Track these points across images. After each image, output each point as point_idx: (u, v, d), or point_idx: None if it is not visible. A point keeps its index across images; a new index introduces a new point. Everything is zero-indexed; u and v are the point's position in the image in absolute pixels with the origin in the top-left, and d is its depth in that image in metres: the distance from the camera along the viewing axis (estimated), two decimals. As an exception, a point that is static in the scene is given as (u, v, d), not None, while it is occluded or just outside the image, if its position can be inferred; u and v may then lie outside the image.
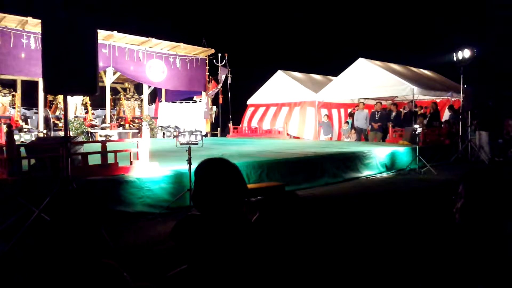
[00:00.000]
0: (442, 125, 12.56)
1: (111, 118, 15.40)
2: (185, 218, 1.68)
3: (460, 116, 12.03)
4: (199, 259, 1.56)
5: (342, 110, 16.70)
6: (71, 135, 7.93)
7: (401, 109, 13.62)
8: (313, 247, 1.77)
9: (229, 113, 17.72)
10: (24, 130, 12.59)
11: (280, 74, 16.49)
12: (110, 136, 13.69)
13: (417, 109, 13.14)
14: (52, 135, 12.52)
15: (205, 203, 1.63)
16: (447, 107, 13.41)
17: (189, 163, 5.40)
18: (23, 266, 3.53)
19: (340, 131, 16.14)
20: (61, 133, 12.38)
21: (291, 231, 1.73)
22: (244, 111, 18.03)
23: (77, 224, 1.59)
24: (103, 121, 15.36)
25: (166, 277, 1.64)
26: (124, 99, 16.75)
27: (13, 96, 14.23)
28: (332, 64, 18.30)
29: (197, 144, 5.53)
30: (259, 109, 17.44)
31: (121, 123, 15.46)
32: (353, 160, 8.68)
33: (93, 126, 14.26)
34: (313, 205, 6.12)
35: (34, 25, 11.76)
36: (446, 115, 14.29)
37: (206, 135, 16.06)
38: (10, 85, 14.57)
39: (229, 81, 16.90)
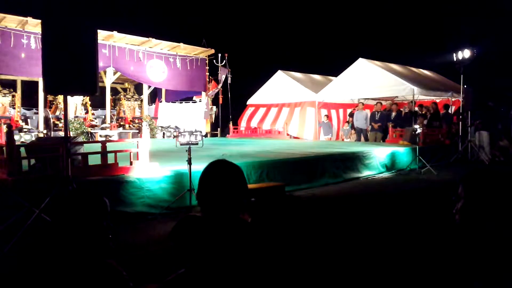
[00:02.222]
0: (442, 125, 12.56)
1: (111, 118, 15.39)
2: (184, 218, 1.68)
3: (460, 116, 12.03)
4: (197, 260, 1.56)
5: (341, 111, 16.70)
6: (71, 135, 7.93)
7: (401, 109, 13.62)
8: (311, 248, 1.77)
9: (229, 113, 17.72)
10: (24, 130, 12.59)
11: (280, 74, 16.48)
12: (110, 136, 13.69)
13: (418, 109, 13.12)
14: (52, 135, 12.52)
15: (207, 202, 1.64)
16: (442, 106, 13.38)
17: (189, 163, 5.40)
18: (23, 265, 3.53)
19: (339, 132, 16.14)
20: (61, 133, 12.38)
21: (286, 232, 1.73)
22: (244, 111, 18.01)
23: (82, 224, 1.59)
24: (103, 121, 15.35)
25: (164, 282, 1.64)
26: (124, 99, 16.74)
27: (13, 96, 14.22)
28: (332, 64, 18.28)
29: (197, 144, 5.52)
30: (260, 109, 17.43)
31: (121, 123, 15.45)
32: (353, 160, 8.68)
33: (93, 126, 14.25)
34: (310, 205, 6.11)
35: (34, 25, 11.75)
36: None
37: (206, 135, 16.05)
38: (10, 85, 14.57)
39: (229, 81, 16.90)
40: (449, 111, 13.28)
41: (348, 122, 15.36)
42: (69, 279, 1.49)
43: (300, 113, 15.71)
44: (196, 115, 16.77)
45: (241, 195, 1.66)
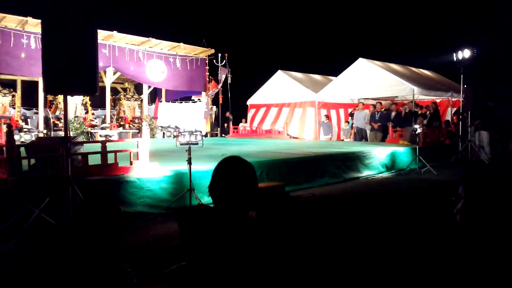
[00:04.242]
0: (442, 125, 12.57)
1: (111, 118, 15.39)
2: (195, 206, 1.71)
3: (460, 116, 12.04)
4: (201, 250, 1.56)
5: (342, 110, 16.70)
6: (71, 135, 7.93)
7: (401, 109, 13.63)
8: (311, 247, 1.77)
9: (229, 113, 17.70)
10: (24, 130, 12.59)
11: (280, 74, 16.47)
12: (110, 136, 13.68)
13: (417, 109, 13.13)
14: (52, 135, 12.52)
15: (219, 196, 1.68)
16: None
17: (189, 163, 5.40)
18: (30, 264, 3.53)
19: (339, 132, 16.14)
20: (61, 133, 12.38)
21: (288, 231, 1.74)
22: (246, 111, 17.97)
23: (98, 228, 1.72)
24: (103, 121, 15.35)
25: (163, 274, 1.66)
26: (124, 99, 16.73)
27: (13, 96, 14.21)
28: (332, 64, 18.29)
29: (197, 144, 5.52)
30: (260, 109, 17.43)
31: (121, 123, 15.45)
32: (353, 160, 8.68)
33: (93, 126, 14.25)
34: (310, 204, 6.12)
35: (34, 25, 11.75)
36: (447, 115, 14.32)
37: (206, 135, 16.05)
38: (10, 85, 14.55)
39: (229, 81, 16.90)
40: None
41: (348, 122, 15.36)
42: (84, 274, 1.64)
43: (300, 113, 15.72)
44: (196, 115, 16.77)
45: (252, 193, 1.71)
